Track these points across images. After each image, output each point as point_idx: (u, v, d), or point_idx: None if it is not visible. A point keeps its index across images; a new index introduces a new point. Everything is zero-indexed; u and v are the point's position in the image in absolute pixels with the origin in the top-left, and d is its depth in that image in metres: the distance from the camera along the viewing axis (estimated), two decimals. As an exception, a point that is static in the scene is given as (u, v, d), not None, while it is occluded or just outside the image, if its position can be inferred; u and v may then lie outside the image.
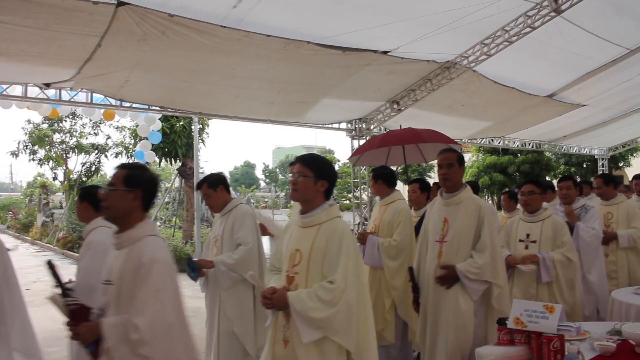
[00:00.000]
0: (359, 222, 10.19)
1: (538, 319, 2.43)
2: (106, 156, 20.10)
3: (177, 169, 16.20)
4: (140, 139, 12.02)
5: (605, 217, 6.25)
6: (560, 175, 21.48)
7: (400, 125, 7.62)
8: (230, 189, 4.94)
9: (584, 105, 11.05)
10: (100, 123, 17.76)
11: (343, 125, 10.07)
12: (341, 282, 2.74)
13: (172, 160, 15.44)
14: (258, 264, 4.38)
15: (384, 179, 5.46)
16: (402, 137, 6.96)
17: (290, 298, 2.79)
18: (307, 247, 2.91)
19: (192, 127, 13.39)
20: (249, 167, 77.06)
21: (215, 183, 4.55)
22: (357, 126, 9.94)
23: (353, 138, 10.06)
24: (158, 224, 22.39)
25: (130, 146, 15.47)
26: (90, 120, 17.40)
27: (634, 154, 20.98)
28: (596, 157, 17.21)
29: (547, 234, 4.64)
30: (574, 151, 16.06)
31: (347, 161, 10.88)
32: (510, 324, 2.50)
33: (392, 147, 7.24)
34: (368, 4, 6.23)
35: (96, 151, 20.29)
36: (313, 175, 2.96)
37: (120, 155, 17.48)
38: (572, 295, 4.47)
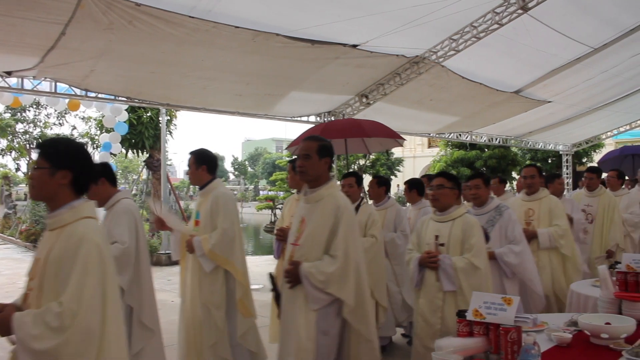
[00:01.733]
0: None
1: (496, 310, 2.47)
2: (72, 147, 19.72)
3: (144, 161, 15.99)
4: (107, 130, 11.83)
5: (526, 213, 5.73)
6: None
7: (343, 115, 7.49)
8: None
9: (549, 102, 11.26)
10: (65, 113, 17.45)
11: (312, 119, 10.06)
12: (71, 303, 2.16)
13: (139, 151, 15.23)
14: (136, 265, 3.97)
15: None
16: (344, 131, 6.85)
17: (14, 321, 2.20)
18: (44, 256, 2.33)
19: (160, 118, 13.24)
20: (217, 159, 76.47)
21: (96, 176, 3.98)
22: (326, 119, 9.94)
23: (322, 131, 10.05)
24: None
25: (97, 137, 15.22)
26: (55, 111, 17.06)
27: (597, 150, 21.45)
28: (561, 152, 17.54)
29: (456, 236, 4.01)
30: (540, 147, 16.35)
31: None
32: (470, 316, 2.55)
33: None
34: (338, -3, 6.24)
35: (61, 142, 19.88)
36: (49, 166, 2.37)
37: (85, 146, 17.22)
38: None
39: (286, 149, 7.58)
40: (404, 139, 7.25)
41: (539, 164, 22.00)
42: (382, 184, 6.26)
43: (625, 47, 8.95)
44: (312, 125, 10.11)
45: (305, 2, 6.23)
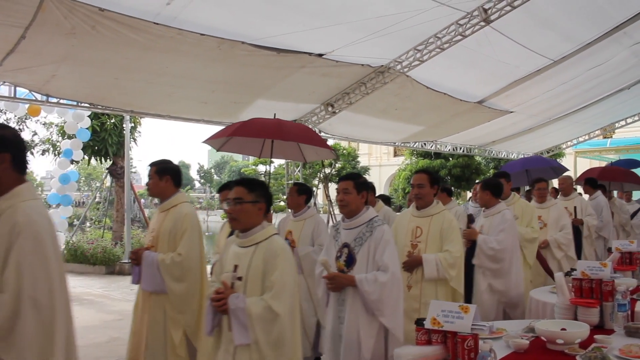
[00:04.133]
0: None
1: (454, 319, 2.51)
2: (32, 153, 19.24)
3: (107, 168, 15.75)
4: (69, 137, 11.60)
5: (413, 232, 4.50)
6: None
7: (275, 115, 6.77)
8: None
9: (511, 112, 11.50)
10: (25, 118, 17.05)
11: (278, 127, 10.04)
12: None
13: (102, 158, 14.99)
14: None
15: (172, 175, 4.31)
16: (262, 130, 6.12)
17: None
18: None
19: (124, 125, 13.06)
20: (184, 167, 75.76)
21: None
22: (292, 128, 9.94)
23: (288, 139, 10.06)
24: (88, 224, 21.69)
25: (58, 143, 14.91)
26: (15, 116, 16.66)
27: (558, 160, 21.93)
28: (523, 162, 17.86)
29: (257, 268, 2.99)
30: (503, 156, 16.62)
31: (283, 163, 10.84)
32: (428, 324, 2.58)
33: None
34: (303, 6, 6.26)
35: (22, 148, 19.42)
36: None
37: (47, 153, 16.83)
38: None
39: (204, 141, 6.57)
40: (332, 149, 6.73)
41: (491, 174, 22.40)
42: (302, 192, 5.79)
43: (582, 60, 9.23)
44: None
45: (271, 11, 6.24)
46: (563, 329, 3.01)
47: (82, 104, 8.21)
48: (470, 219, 5.85)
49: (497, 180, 5.93)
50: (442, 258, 4.31)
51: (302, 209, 5.73)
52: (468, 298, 5.09)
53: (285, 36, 6.72)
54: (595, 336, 3.03)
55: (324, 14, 6.46)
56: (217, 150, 7.01)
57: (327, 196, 22.30)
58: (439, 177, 4.84)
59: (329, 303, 3.84)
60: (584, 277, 3.52)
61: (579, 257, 7.26)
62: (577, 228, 7.66)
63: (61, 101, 7.97)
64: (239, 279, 3.00)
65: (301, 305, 4.77)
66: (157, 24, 5.94)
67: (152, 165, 4.35)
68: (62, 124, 13.57)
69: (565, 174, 9.78)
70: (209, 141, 6.49)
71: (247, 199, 3.08)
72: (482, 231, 5.42)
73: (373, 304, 3.57)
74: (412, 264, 4.40)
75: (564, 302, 3.45)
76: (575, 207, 7.83)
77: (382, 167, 40.24)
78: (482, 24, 7.23)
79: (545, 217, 6.78)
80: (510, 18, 7.18)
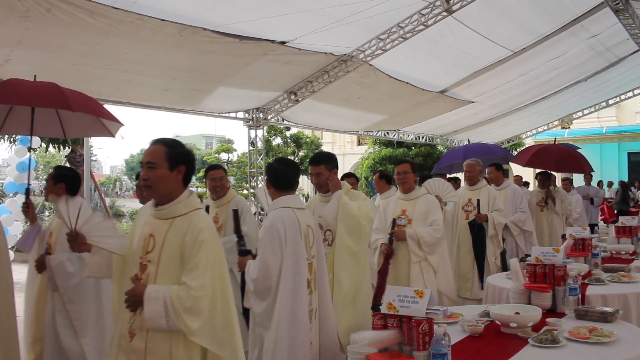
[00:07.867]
0: (256, 212, 10.13)
1: (409, 303, 2.55)
2: (-13, 140, 18.73)
3: (66, 156, 15.38)
4: (25, 123, 11.26)
5: (145, 244, 2.74)
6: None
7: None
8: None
9: (473, 102, 11.68)
10: (-21, 105, 16.54)
11: (240, 115, 9.98)
12: None
13: (61, 146, 14.62)
14: None
15: None
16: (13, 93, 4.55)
17: None
18: None
19: (83, 111, 12.72)
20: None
21: None
22: (254, 116, 9.90)
23: (250, 128, 10.02)
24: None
25: (14, 130, 14.49)
26: (-32, 101, 16.14)
27: (517, 149, 22.35)
28: (484, 151, 18.15)
29: None
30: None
31: (246, 151, 10.78)
32: (384, 309, 2.62)
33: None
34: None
35: (-25, 135, 18.87)
36: None
37: (2, 140, 16.36)
38: None
39: None
40: (118, 122, 5.34)
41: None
42: (59, 179, 4.36)
43: (542, 51, 9.42)
44: (242, 121, 10.03)
45: (233, -3, 6.19)
46: (517, 313, 3.09)
47: (39, 90, 7.99)
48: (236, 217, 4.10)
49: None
50: (175, 296, 2.48)
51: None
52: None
53: (247, 23, 6.65)
54: (547, 319, 3.12)
55: (287, 1, 6.42)
56: None
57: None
58: (184, 154, 2.76)
59: None
60: (538, 263, 3.62)
61: (480, 261, 6.35)
62: (480, 226, 6.42)
63: (16, 86, 7.73)
64: None
65: None
66: (116, 8, 5.79)
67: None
68: (18, 111, 13.17)
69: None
70: None
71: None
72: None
73: None
74: (134, 300, 2.56)
75: (519, 287, 3.53)
76: (478, 200, 6.46)
77: (346, 156, 40.33)
78: (444, 14, 7.30)
79: (410, 212, 5.24)
80: (472, 9, 7.28)
